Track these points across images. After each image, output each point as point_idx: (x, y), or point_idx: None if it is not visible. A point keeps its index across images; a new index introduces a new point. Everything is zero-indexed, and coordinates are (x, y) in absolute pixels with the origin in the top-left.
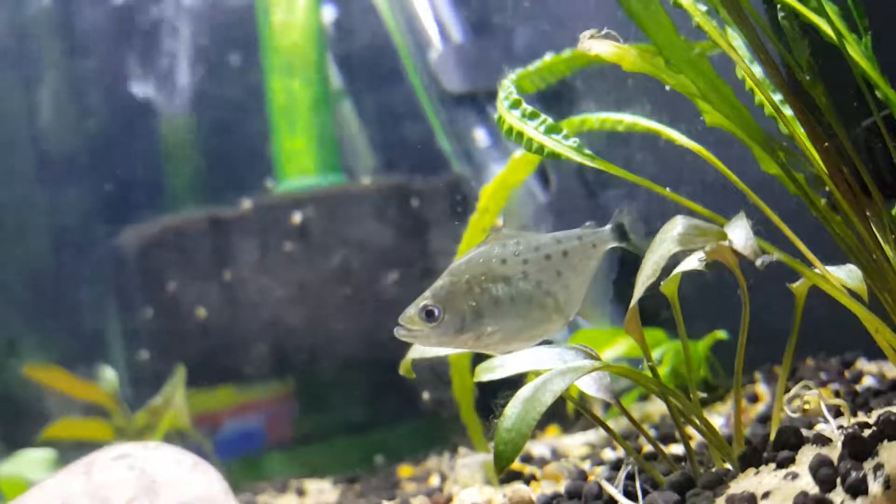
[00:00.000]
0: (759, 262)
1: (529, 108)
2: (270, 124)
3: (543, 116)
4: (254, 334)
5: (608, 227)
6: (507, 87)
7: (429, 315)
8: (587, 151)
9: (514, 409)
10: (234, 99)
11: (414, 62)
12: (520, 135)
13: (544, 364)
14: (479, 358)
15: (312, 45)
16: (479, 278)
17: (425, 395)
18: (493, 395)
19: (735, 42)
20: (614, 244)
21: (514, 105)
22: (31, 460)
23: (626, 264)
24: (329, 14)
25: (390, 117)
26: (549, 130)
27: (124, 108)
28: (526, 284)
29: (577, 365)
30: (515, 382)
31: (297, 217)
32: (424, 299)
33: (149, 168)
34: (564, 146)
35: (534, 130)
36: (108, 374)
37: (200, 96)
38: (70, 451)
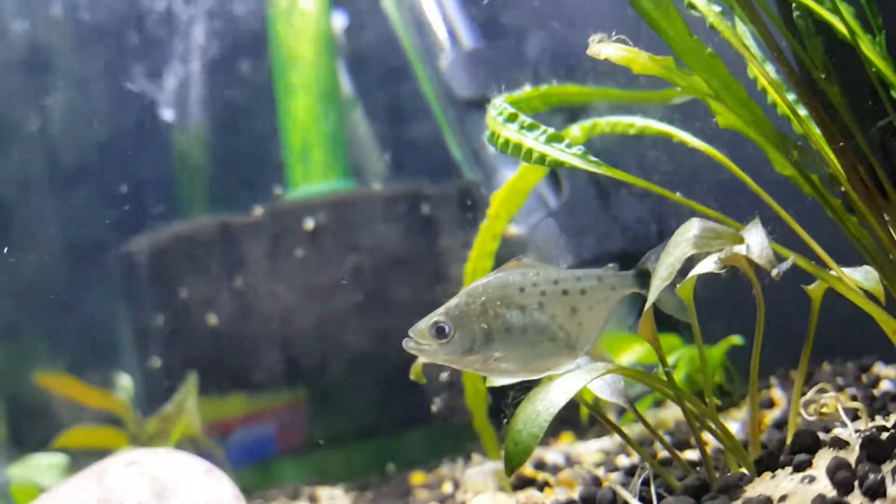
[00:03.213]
0: (774, 272)
1: (528, 120)
2: (281, 131)
3: (543, 127)
4: (266, 341)
5: (631, 271)
6: (500, 105)
7: (439, 332)
8: (592, 158)
9: (525, 410)
10: (246, 106)
11: (424, 67)
12: (518, 147)
13: None
14: None
15: (323, 52)
16: (495, 302)
17: (437, 402)
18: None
19: (747, 41)
20: (635, 290)
21: (510, 119)
22: (42, 466)
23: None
24: (340, 21)
25: (401, 123)
26: (551, 140)
27: (136, 115)
28: (540, 315)
29: (591, 367)
30: (529, 387)
31: (308, 223)
32: (437, 315)
33: (161, 175)
34: (568, 154)
35: (533, 141)
36: (125, 382)
37: (212, 104)
38: (81, 456)
